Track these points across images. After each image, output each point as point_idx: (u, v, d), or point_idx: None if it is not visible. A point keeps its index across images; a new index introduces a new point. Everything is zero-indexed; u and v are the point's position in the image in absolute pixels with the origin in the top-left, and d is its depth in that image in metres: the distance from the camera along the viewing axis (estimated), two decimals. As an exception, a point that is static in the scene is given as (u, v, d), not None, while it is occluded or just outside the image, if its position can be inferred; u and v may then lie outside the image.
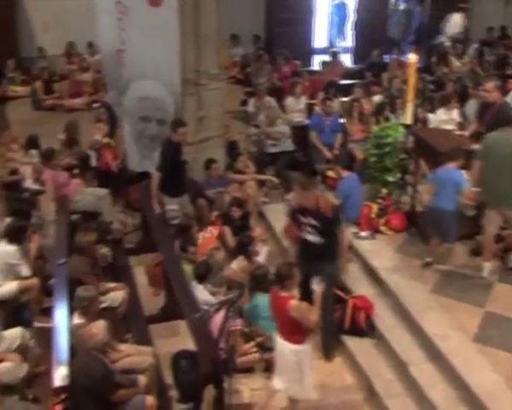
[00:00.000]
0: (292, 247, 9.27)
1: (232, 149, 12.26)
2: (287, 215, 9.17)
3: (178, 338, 8.59)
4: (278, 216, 11.15)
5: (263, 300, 8.17)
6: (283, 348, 7.06)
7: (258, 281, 8.58)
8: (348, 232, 9.33)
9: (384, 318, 8.81)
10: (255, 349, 8.26)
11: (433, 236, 9.43)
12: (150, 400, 6.91)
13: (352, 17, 21.59)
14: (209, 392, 7.26)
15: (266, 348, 8.10)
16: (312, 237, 8.18)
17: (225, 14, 11.82)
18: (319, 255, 8.12)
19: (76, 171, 12.03)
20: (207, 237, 9.95)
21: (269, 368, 7.80)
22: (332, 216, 8.17)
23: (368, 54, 18.20)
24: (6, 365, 7.45)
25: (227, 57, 16.98)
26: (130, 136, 12.00)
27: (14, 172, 12.07)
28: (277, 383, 7.31)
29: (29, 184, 11.81)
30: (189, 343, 7.90)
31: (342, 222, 8.43)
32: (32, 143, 12.83)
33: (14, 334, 7.88)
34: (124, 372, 7.11)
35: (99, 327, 6.78)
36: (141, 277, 9.91)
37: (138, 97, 11.65)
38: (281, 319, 7.00)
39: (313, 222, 8.13)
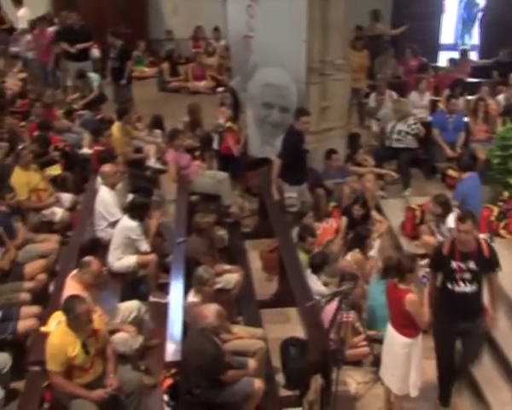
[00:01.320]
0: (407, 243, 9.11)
1: (353, 141, 12.20)
2: (430, 268, 7.64)
3: (289, 325, 8.67)
4: (395, 211, 11.10)
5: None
6: (394, 339, 7.01)
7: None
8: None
9: (498, 323, 8.55)
10: (365, 343, 8.23)
11: None
12: (258, 383, 6.98)
13: (480, 14, 21.07)
14: (316, 381, 7.20)
15: (376, 341, 8.07)
16: (465, 286, 7.02)
17: (352, 4, 11.75)
18: (470, 309, 7.14)
19: (197, 153, 12.27)
20: (326, 228, 9.96)
21: (377, 363, 7.72)
22: (490, 255, 7.10)
23: (495, 52, 17.68)
24: (122, 335, 7.61)
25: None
26: (253, 121, 12.12)
27: (138, 150, 12.42)
28: (383, 375, 7.33)
29: (152, 162, 12.16)
30: (299, 331, 7.99)
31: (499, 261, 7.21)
32: (156, 122, 13.22)
33: (131, 306, 8.07)
34: (234, 354, 7.21)
35: (210, 311, 6.85)
36: (255, 261, 10.01)
37: (263, 84, 11.73)
38: (395, 311, 6.94)
39: (473, 266, 6.97)
